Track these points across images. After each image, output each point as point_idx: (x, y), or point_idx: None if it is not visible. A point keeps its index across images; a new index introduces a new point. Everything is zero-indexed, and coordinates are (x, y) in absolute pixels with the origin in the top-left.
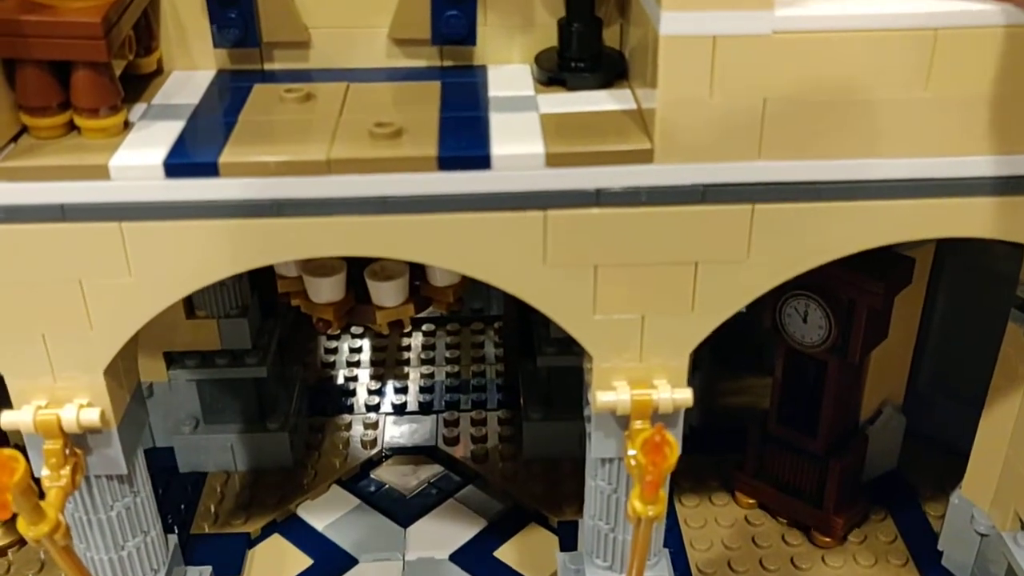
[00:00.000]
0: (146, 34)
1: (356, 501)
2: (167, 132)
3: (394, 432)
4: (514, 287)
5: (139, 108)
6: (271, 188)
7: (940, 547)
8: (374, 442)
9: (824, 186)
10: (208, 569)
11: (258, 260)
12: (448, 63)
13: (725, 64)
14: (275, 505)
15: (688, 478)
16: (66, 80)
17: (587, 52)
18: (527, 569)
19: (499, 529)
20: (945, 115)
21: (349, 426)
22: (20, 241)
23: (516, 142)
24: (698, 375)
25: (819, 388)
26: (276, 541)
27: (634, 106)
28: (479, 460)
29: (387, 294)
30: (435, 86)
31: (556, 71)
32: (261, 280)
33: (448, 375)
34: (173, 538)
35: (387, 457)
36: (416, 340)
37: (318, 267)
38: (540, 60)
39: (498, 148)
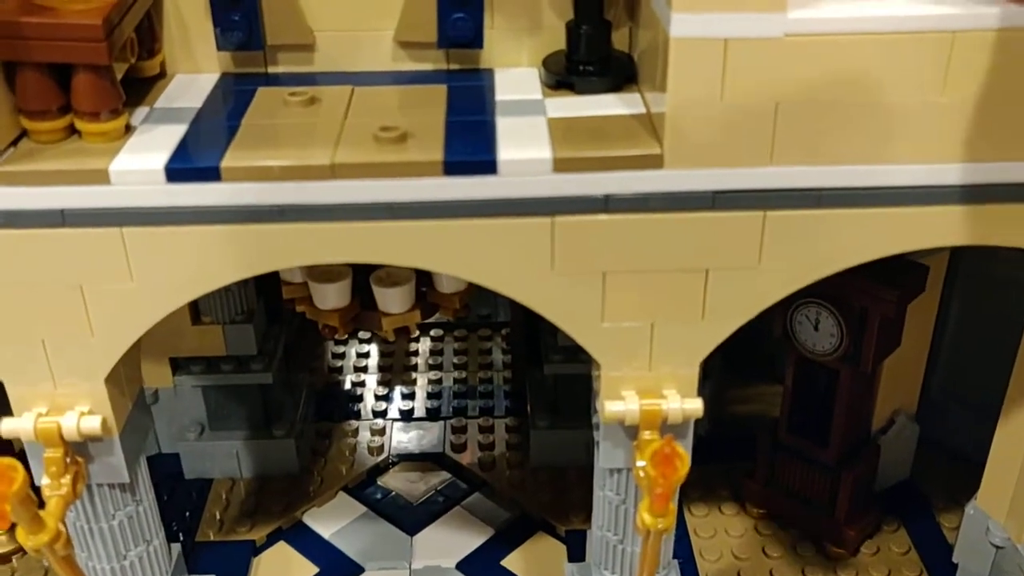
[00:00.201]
0: (148, 36)
1: (363, 508)
2: (169, 136)
3: (401, 438)
4: (521, 294)
5: (141, 112)
6: (274, 193)
7: (955, 559)
8: (381, 448)
9: (838, 192)
10: None
11: (261, 266)
12: (454, 66)
13: (736, 67)
14: (281, 512)
15: (697, 487)
16: (67, 83)
17: (596, 55)
18: None
19: (506, 538)
20: (962, 119)
21: (356, 432)
22: (20, 246)
23: (523, 147)
24: (708, 383)
25: (831, 397)
26: (282, 549)
27: (643, 110)
28: (486, 468)
29: (393, 300)
30: (441, 90)
31: (564, 74)
32: (267, 285)
33: (455, 381)
34: (176, 547)
35: (394, 464)
36: (423, 346)
37: (323, 273)
38: (548, 63)
39: (505, 153)
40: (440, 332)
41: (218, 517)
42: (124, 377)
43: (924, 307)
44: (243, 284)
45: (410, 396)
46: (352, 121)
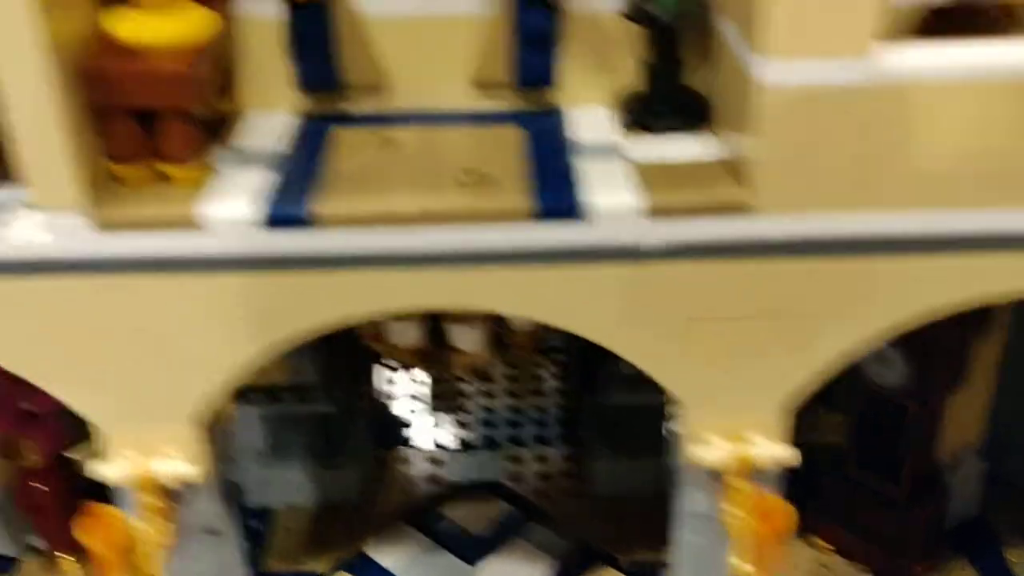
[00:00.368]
0: (224, 75)
1: (423, 539)
2: (254, 180)
3: (457, 466)
4: (606, 339)
5: (220, 152)
6: (363, 239)
7: None
8: (438, 477)
9: (932, 239)
10: None
11: (349, 311)
12: (527, 105)
13: (827, 113)
14: (343, 542)
15: None
16: (153, 128)
17: (670, 95)
18: None
19: (567, 569)
20: None
21: (411, 460)
22: (115, 292)
23: (610, 192)
24: None
25: (898, 432)
26: None
27: (722, 152)
28: (544, 497)
29: (467, 339)
30: (517, 130)
31: (639, 114)
32: None
33: (509, 408)
34: None
35: (452, 493)
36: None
37: None
38: (622, 102)
39: (593, 199)
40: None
41: (282, 547)
42: (213, 420)
43: (991, 342)
44: None
45: (464, 424)
46: (433, 164)
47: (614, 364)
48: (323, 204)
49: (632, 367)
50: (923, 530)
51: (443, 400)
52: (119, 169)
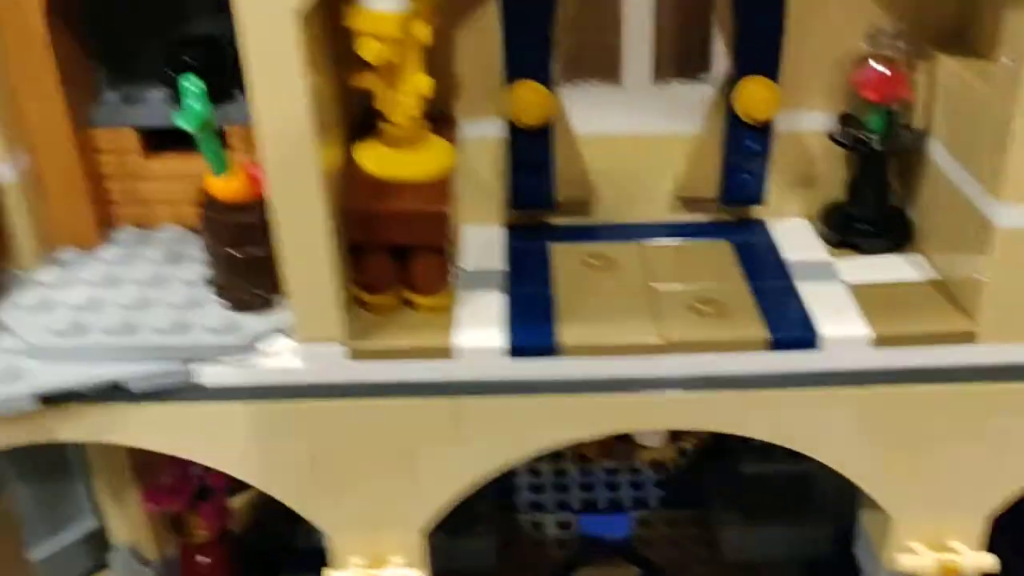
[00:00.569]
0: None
1: None
2: (492, 306)
3: (588, 530)
4: (827, 456)
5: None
6: (606, 367)
7: None
8: (568, 542)
9: None
10: None
11: (584, 432)
12: (728, 217)
13: None
14: None
15: None
16: (404, 260)
17: (876, 215)
18: None
19: None
20: None
21: (542, 525)
22: (362, 413)
23: (839, 322)
24: None
25: None
26: None
27: (934, 274)
28: (676, 562)
29: (653, 435)
30: (726, 247)
31: (845, 232)
32: None
33: (633, 471)
34: None
35: (584, 558)
36: None
37: None
38: (827, 219)
39: (825, 329)
40: None
41: None
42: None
43: None
44: None
45: (588, 486)
46: (659, 288)
47: None
48: (566, 334)
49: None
50: None
51: (564, 460)
52: (369, 298)
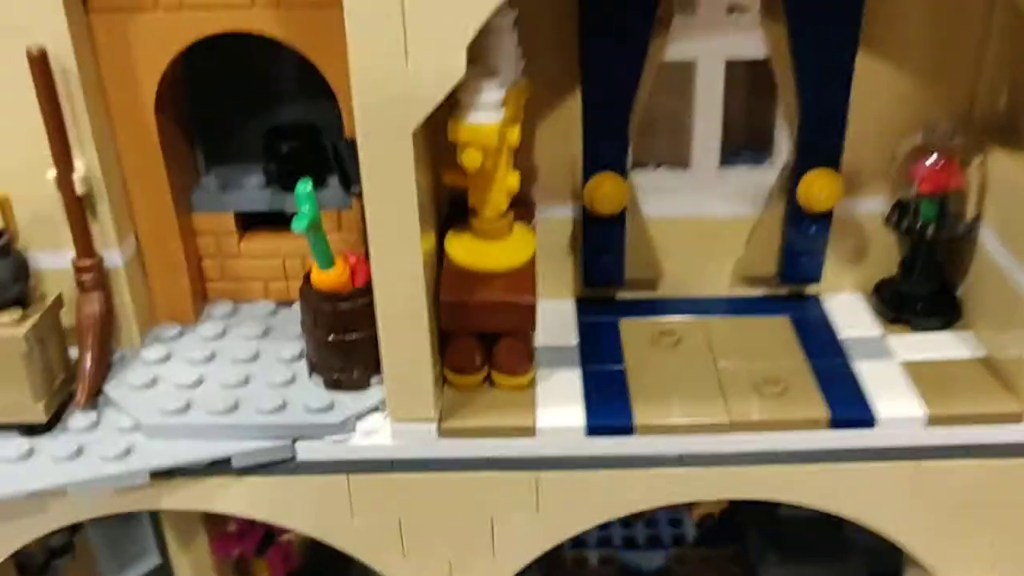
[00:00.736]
0: None
1: None
2: (569, 385)
3: (627, 565)
4: (879, 523)
5: None
6: (676, 444)
7: None
8: None
9: None
10: None
11: (652, 502)
12: (785, 291)
13: None
14: None
15: None
16: (490, 343)
17: (929, 293)
18: None
19: None
20: None
21: (585, 561)
22: (446, 486)
23: (894, 402)
24: None
25: None
26: None
27: (982, 352)
28: None
29: None
30: (786, 323)
31: (899, 310)
32: None
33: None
34: None
35: None
36: None
37: None
38: (880, 296)
39: (882, 410)
40: None
41: None
42: None
43: None
44: None
45: (628, 524)
46: (725, 366)
47: None
48: (640, 415)
49: None
50: None
51: None
52: (457, 379)
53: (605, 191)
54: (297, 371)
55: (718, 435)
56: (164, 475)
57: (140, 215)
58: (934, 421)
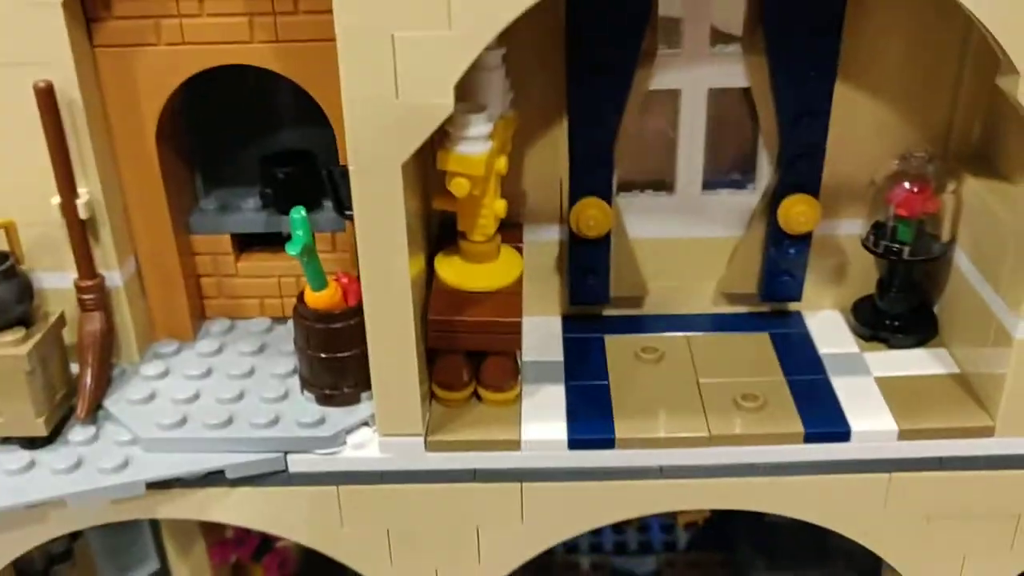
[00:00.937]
0: None
1: None
2: (554, 400)
3: (619, 569)
4: (853, 531)
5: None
6: (656, 457)
7: None
8: None
9: None
10: None
11: (632, 512)
12: (766, 308)
13: None
14: None
15: None
16: (476, 359)
17: (905, 311)
18: None
19: None
20: None
21: (578, 566)
22: (433, 497)
23: (869, 417)
24: None
25: None
26: None
27: (956, 369)
28: None
29: None
30: (765, 340)
31: (876, 328)
32: None
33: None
34: None
35: None
36: None
37: None
38: (859, 314)
39: (856, 424)
40: None
41: None
42: None
43: None
44: None
45: (619, 529)
46: (705, 383)
47: None
48: (621, 429)
49: None
50: None
51: None
52: (444, 394)
53: (590, 215)
54: (290, 386)
55: (698, 448)
56: (160, 486)
57: (140, 237)
58: (906, 435)
